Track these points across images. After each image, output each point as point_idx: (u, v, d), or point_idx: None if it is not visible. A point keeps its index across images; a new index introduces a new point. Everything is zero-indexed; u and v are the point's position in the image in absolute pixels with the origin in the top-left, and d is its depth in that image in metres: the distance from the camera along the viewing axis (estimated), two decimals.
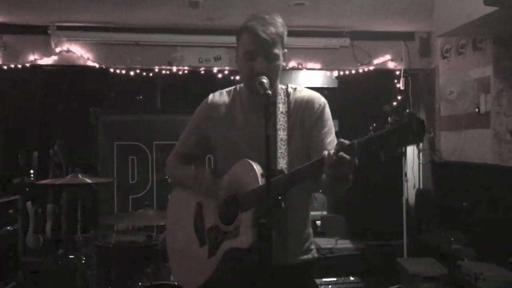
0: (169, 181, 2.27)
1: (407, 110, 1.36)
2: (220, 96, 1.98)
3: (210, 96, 2.00)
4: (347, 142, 1.49)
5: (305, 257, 1.92)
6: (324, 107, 1.89)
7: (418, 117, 1.33)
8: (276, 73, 1.81)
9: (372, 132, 1.43)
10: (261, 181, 1.71)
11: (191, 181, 1.99)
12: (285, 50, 1.84)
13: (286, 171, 1.75)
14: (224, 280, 1.86)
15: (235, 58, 1.91)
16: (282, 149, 1.79)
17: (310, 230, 2.00)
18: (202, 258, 1.89)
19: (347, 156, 1.47)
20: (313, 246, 1.98)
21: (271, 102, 1.72)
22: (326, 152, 1.53)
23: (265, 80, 1.69)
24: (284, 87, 1.93)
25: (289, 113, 1.87)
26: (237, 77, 1.95)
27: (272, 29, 1.76)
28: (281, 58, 1.81)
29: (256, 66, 1.76)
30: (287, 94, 1.90)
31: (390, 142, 1.38)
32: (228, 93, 1.99)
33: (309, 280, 1.98)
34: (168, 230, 2.15)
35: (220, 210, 1.87)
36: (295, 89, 1.93)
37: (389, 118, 1.38)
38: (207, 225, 1.91)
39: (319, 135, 1.85)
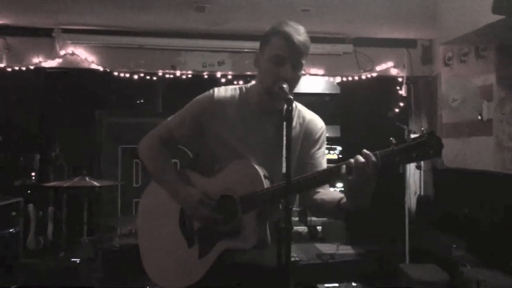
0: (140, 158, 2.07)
1: (422, 129, 1.59)
2: (226, 93, 1.92)
3: (215, 90, 1.92)
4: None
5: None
6: (325, 130, 1.97)
7: (436, 135, 1.52)
8: (297, 83, 1.82)
9: (393, 146, 1.55)
10: (265, 183, 1.72)
11: (172, 189, 1.90)
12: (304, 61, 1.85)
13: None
14: (216, 280, 1.81)
15: (255, 59, 1.87)
16: (283, 155, 1.74)
17: None
18: (192, 259, 1.83)
19: (373, 158, 1.55)
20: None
21: (279, 110, 1.76)
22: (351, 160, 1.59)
23: (285, 85, 1.70)
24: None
25: (292, 123, 1.88)
26: (241, 82, 1.89)
27: (306, 39, 1.78)
28: (303, 68, 1.83)
29: (283, 71, 1.75)
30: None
31: (411, 155, 1.53)
32: (234, 91, 1.93)
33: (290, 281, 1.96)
34: (143, 230, 2.03)
35: (214, 210, 1.81)
36: (297, 104, 1.94)
37: (409, 134, 1.53)
38: (197, 225, 1.86)
39: (317, 153, 1.92)
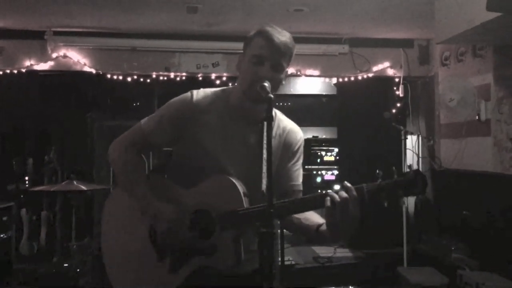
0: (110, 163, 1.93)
1: (410, 168, 1.56)
2: (205, 97, 1.80)
3: (194, 94, 1.80)
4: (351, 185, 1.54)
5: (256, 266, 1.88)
6: (303, 142, 1.92)
7: (422, 174, 1.53)
8: (277, 85, 1.73)
9: (380, 180, 1.53)
10: (244, 201, 1.66)
11: (142, 204, 1.76)
12: (288, 69, 1.78)
13: (265, 192, 1.62)
14: None
15: (238, 62, 1.80)
16: (264, 169, 1.64)
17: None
18: (161, 272, 1.73)
19: (355, 194, 1.51)
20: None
21: (260, 119, 1.61)
22: (331, 191, 1.54)
23: (267, 84, 1.63)
24: None
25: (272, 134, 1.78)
26: (236, 84, 1.81)
27: (287, 40, 1.72)
28: (284, 73, 1.75)
29: (261, 71, 1.69)
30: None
31: (397, 192, 1.53)
32: (214, 94, 1.82)
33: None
34: (107, 237, 1.89)
35: (189, 227, 1.71)
36: (277, 113, 1.87)
37: (395, 176, 1.54)
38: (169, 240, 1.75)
39: (293, 167, 1.87)
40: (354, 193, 1.50)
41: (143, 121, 1.85)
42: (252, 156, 1.74)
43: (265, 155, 1.63)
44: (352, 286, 4.27)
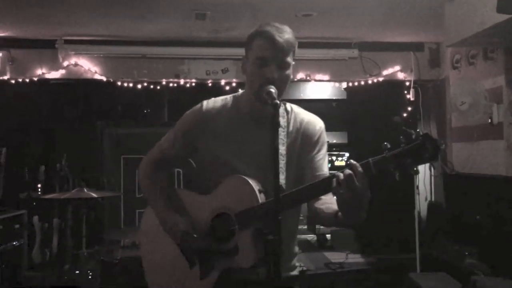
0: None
1: (418, 131, 1.45)
2: (215, 105, 1.87)
3: (204, 104, 1.88)
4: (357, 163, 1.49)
5: (290, 273, 1.89)
6: (323, 131, 1.90)
7: (432, 136, 1.43)
8: (285, 83, 1.75)
9: (386, 151, 1.46)
10: (260, 198, 1.66)
11: (160, 219, 1.87)
12: (293, 62, 1.80)
13: (284, 187, 1.71)
14: None
15: (242, 65, 1.82)
16: (281, 164, 1.73)
17: (297, 249, 1.96)
18: (194, 279, 1.79)
19: (360, 169, 1.47)
20: (298, 263, 1.95)
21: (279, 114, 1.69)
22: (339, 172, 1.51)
23: (273, 90, 1.63)
24: (282, 103, 1.85)
25: (288, 129, 1.83)
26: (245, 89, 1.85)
27: (288, 37, 1.72)
28: (291, 69, 1.77)
29: (268, 72, 1.70)
30: (287, 110, 1.87)
31: (405, 161, 1.44)
32: (224, 101, 1.88)
33: None
34: (145, 251, 1.99)
35: (210, 229, 1.78)
36: (293, 107, 1.90)
37: (401, 137, 1.45)
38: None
39: (316, 157, 1.84)
40: (360, 169, 1.47)
41: (163, 138, 1.96)
42: (266, 156, 1.73)
43: (281, 150, 1.73)
44: None
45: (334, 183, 1.51)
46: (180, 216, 1.82)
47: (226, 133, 1.82)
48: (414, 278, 4.18)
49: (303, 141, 1.85)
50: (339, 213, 1.63)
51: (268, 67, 1.70)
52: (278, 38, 1.69)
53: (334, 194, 1.57)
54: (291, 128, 1.83)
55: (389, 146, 1.47)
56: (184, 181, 4.87)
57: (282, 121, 1.80)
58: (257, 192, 1.67)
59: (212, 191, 1.80)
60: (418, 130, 1.51)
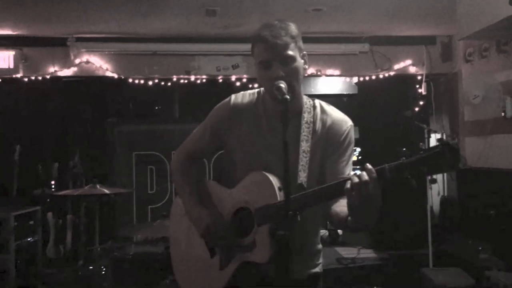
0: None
1: (440, 138, 1.36)
2: (243, 99, 1.89)
3: (233, 97, 1.90)
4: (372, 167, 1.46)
5: (312, 271, 1.90)
6: (350, 131, 1.82)
7: (452, 145, 1.36)
8: (295, 75, 1.73)
9: (403, 158, 1.41)
10: (279, 195, 1.66)
11: (187, 210, 1.93)
12: (304, 52, 1.78)
13: (305, 185, 1.70)
14: None
15: (256, 70, 1.85)
16: (303, 161, 1.72)
17: (320, 246, 1.95)
18: (214, 269, 1.84)
19: (375, 175, 1.43)
20: (320, 261, 1.94)
21: (297, 112, 1.73)
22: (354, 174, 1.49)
23: (282, 84, 1.63)
24: (310, 99, 1.87)
25: (314, 126, 1.80)
26: (255, 85, 1.87)
27: (282, 32, 1.71)
28: (299, 60, 1.74)
29: (273, 73, 1.70)
30: (314, 106, 1.84)
31: (422, 169, 1.39)
32: (251, 96, 1.90)
33: None
34: (173, 241, 2.08)
35: (231, 222, 1.81)
36: (322, 104, 1.87)
37: (421, 144, 1.37)
38: None
39: (339, 159, 1.79)
40: (374, 175, 1.43)
41: (194, 131, 2.00)
42: (291, 149, 1.70)
43: (304, 147, 1.72)
44: (375, 287, 4.22)
45: (348, 185, 1.48)
46: (206, 209, 1.86)
47: (252, 126, 1.84)
48: (426, 273, 4.17)
49: (328, 141, 1.80)
50: (349, 218, 1.60)
51: (272, 68, 1.71)
52: (270, 39, 1.70)
53: (346, 197, 1.53)
54: (317, 126, 1.80)
55: (406, 152, 1.45)
56: (214, 175, 4.87)
57: (308, 117, 1.79)
58: (276, 189, 1.66)
59: (237, 182, 1.83)
60: (440, 138, 1.44)
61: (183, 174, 1.98)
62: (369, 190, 1.43)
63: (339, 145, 1.79)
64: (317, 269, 1.91)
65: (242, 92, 1.92)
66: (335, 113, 1.84)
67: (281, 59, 1.70)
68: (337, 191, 1.54)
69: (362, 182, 1.44)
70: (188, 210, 1.91)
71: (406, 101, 5.27)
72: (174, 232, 2.06)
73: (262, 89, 1.89)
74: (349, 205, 1.52)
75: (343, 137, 1.80)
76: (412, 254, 4.79)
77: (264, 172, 1.72)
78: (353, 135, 1.83)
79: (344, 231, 5.09)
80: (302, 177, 1.70)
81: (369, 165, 1.45)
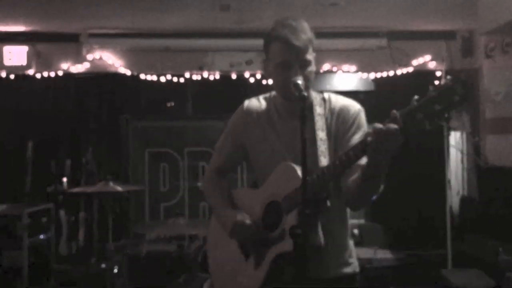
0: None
1: (448, 77, 1.39)
2: (256, 102, 1.98)
3: (246, 102, 1.99)
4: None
5: (344, 270, 1.87)
6: (359, 114, 1.88)
7: (460, 77, 1.37)
8: (310, 79, 1.80)
9: (415, 102, 1.42)
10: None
11: (216, 215, 2.04)
12: (314, 53, 1.83)
13: (324, 169, 1.71)
14: None
15: (264, 68, 1.91)
16: (322, 147, 1.78)
17: (350, 242, 1.93)
18: (249, 271, 1.86)
19: (394, 126, 1.44)
20: (353, 260, 1.92)
21: (307, 106, 1.75)
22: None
23: (300, 81, 1.68)
24: (319, 93, 1.94)
25: (326, 116, 1.87)
26: (270, 81, 1.91)
27: (303, 36, 1.76)
28: (313, 63, 1.82)
29: (292, 75, 1.74)
30: (323, 99, 1.91)
31: (435, 108, 1.39)
32: (265, 99, 1.98)
33: None
34: (210, 248, 2.14)
35: (262, 219, 1.85)
36: (330, 96, 1.94)
37: (430, 87, 1.39)
38: None
39: (351, 139, 1.83)
40: (392, 126, 1.44)
41: (215, 145, 2.09)
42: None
43: (321, 136, 1.79)
44: None
45: (369, 138, 1.49)
46: (233, 210, 1.93)
47: (267, 124, 1.91)
48: (445, 274, 4.13)
49: (338, 125, 1.86)
50: (358, 188, 1.66)
51: (291, 71, 1.75)
52: (295, 42, 1.74)
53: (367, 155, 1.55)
54: (328, 116, 1.87)
55: (417, 98, 1.43)
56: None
57: (320, 109, 1.86)
58: (299, 172, 1.68)
59: (263, 183, 1.89)
60: (448, 77, 1.41)
61: (213, 185, 2.07)
62: (388, 141, 1.45)
63: (350, 126, 1.85)
64: (348, 269, 1.88)
65: (254, 97, 2.01)
66: (342, 100, 1.91)
67: (300, 62, 1.76)
68: (360, 147, 1.56)
69: (383, 131, 1.44)
70: (218, 216, 2.00)
71: None
72: (212, 241, 2.11)
73: (273, 93, 1.98)
74: (367, 164, 1.56)
75: (352, 118, 1.85)
76: (431, 255, 4.74)
77: (288, 162, 1.78)
78: (363, 118, 1.87)
79: (361, 228, 5.01)
80: (324, 162, 1.74)
81: (379, 124, 1.47)
